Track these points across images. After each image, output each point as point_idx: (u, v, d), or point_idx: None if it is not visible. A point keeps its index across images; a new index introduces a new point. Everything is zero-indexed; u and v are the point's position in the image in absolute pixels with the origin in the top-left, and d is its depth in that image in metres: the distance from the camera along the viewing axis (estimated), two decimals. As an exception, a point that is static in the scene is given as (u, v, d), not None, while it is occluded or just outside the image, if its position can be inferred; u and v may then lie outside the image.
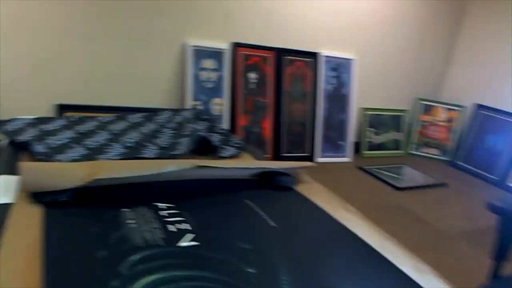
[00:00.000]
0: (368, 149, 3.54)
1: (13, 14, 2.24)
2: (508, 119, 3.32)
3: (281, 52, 2.95)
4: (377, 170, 3.14)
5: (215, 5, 2.69)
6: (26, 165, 0.87)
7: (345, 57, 3.21)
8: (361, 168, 3.15)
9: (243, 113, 2.85)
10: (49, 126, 1.29)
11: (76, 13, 2.37)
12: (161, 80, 2.67)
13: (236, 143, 1.38)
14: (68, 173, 0.88)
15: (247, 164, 1.12)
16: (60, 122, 1.34)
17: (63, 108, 2.39)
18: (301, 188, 1.16)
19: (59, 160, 1.04)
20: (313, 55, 3.08)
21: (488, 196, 2.93)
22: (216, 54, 2.72)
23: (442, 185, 3.03)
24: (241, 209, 0.98)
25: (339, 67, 3.21)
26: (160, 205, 0.92)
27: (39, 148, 0.98)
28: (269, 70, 2.91)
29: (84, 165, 0.92)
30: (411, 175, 3.17)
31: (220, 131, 1.48)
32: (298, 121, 3.09)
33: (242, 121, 2.84)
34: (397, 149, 3.70)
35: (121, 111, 2.50)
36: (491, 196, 2.95)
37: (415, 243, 2.10)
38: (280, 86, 2.97)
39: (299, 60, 3.03)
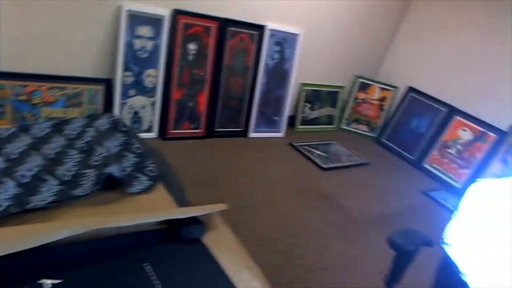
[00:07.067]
0: (303, 123, 3.62)
1: None
2: (432, 104, 3.50)
3: (225, 23, 2.80)
4: (306, 147, 3.26)
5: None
6: None
7: (290, 31, 3.14)
8: (291, 145, 3.25)
9: (178, 86, 2.75)
10: None
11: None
12: (92, 47, 2.43)
13: (150, 170, 1.37)
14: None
15: (151, 217, 1.13)
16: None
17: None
18: (209, 239, 1.13)
19: None
20: (258, 27, 2.96)
21: (403, 179, 3.18)
22: (153, 21, 2.53)
23: (364, 164, 3.23)
24: (136, 279, 0.99)
25: (284, 41, 3.14)
26: (46, 282, 0.87)
27: None
28: (211, 41, 2.79)
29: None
30: (337, 153, 3.33)
31: (136, 150, 1.44)
32: (235, 96, 3.05)
33: (176, 95, 2.76)
34: (330, 124, 3.83)
35: (46, 79, 2.34)
36: (406, 179, 3.20)
37: (331, 233, 2.25)
38: (220, 59, 2.86)
39: (243, 32, 2.91)
